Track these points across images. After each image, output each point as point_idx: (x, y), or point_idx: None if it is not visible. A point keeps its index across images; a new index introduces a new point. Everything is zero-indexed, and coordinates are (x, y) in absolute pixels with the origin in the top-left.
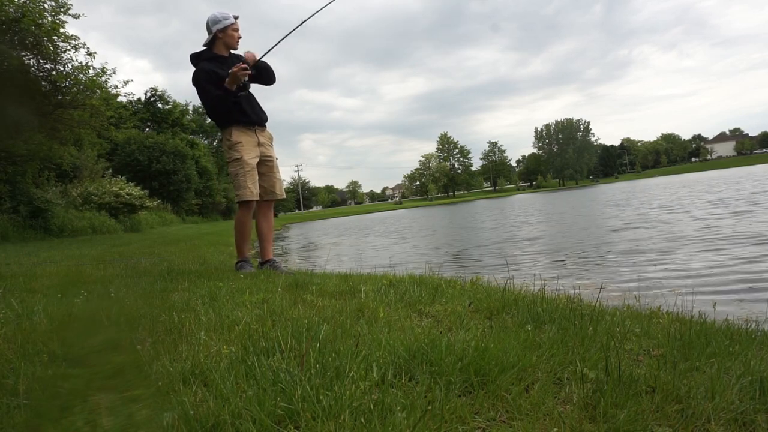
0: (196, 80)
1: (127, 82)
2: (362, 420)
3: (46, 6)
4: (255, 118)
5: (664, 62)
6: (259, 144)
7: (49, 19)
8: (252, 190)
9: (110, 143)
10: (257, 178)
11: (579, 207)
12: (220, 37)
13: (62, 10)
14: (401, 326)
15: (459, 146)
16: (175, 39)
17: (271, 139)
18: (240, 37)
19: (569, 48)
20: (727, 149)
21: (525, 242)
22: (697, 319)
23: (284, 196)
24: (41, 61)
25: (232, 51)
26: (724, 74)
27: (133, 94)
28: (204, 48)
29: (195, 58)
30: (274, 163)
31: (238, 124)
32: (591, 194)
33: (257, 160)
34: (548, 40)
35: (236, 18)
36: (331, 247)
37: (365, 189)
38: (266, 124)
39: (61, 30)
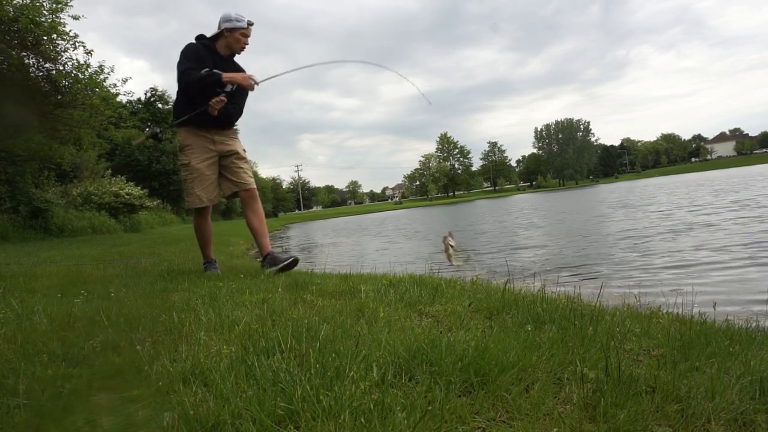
0: (185, 52)
1: (126, 80)
2: (362, 420)
3: (44, 4)
4: (213, 122)
5: (662, 62)
6: (215, 142)
7: (47, 16)
8: (201, 196)
9: (110, 143)
10: (208, 183)
11: (593, 208)
12: (227, 35)
13: (60, 7)
14: (401, 326)
15: (459, 146)
16: (173, 39)
17: (234, 134)
18: (246, 44)
19: (568, 48)
20: (727, 149)
21: (552, 248)
22: (697, 319)
23: (254, 185)
24: (41, 60)
25: (235, 56)
26: (724, 74)
27: (132, 93)
28: (209, 38)
29: (198, 39)
30: (240, 155)
31: (189, 125)
32: (596, 194)
33: (210, 162)
34: (547, 40)
35: (250, 24)
36: (330, 247)
37: (365, 189)
38: (232, 125)
39: (60, 29)
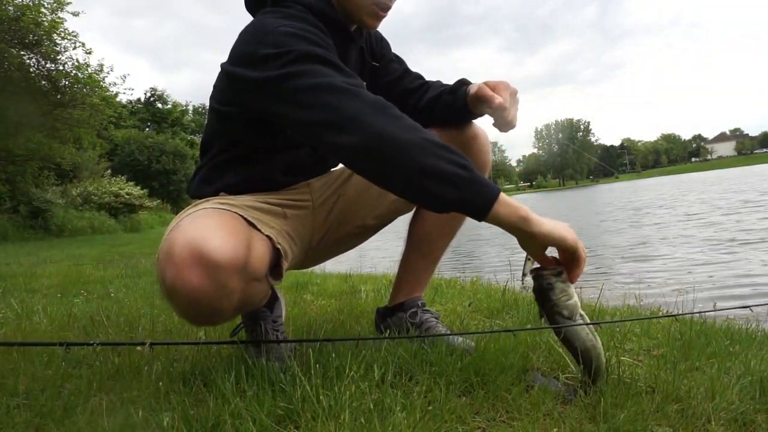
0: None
1: (125, 76)
2: (362, 420)
3: (45, 3)
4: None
5: (660, 62)
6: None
7: (48, 16)
8: None
9: (110, 143)
10: None
11: (611, 211)
12: None
13: (60, 6)
14: None
15: None
16: (171, 40)
17: None
18: (383, 16)
19: (564, 49)
20: (727, 149)
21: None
22: (697, 319)
23: None
24: (41, 60)
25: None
26: (723, 74)
27: (132, 89)
28: None
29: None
30: None
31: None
32: (600, 195)
33: None
34: (543, 41)
35: None
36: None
37: None
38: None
39: (61, 27)
